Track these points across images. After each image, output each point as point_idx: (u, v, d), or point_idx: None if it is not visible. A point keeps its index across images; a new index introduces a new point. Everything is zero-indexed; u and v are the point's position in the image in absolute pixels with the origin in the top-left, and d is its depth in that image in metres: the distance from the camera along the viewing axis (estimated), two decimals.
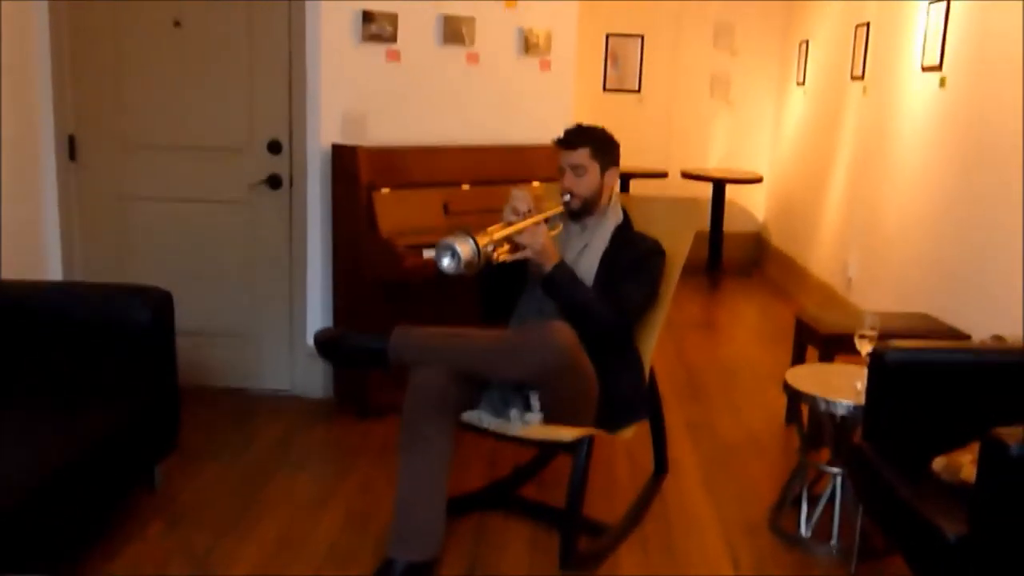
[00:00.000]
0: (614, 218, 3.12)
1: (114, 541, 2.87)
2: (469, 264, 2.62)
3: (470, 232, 2.64)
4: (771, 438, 4.03)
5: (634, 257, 3.02)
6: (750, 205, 8.22)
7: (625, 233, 3.11)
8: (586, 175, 3.02)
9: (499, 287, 3.08)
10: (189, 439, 3.55)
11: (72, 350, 3.03)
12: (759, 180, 7.72)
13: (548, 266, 2.86)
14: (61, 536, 2.53)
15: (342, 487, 3.36)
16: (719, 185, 7.49)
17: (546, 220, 2.95)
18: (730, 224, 7.81)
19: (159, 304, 3.12)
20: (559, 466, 3.48)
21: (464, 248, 2.60)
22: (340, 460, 3.63)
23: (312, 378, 4.23)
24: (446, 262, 2.63)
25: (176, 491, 3.25)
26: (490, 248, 2.72)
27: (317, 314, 4.19)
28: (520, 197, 2.87)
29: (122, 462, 2.89)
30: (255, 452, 3.63)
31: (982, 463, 2.08)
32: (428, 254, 3.81)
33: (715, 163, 8.13)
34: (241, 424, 3.90)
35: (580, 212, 3.07)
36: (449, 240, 2.62)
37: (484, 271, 2.90)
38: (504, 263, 2.84)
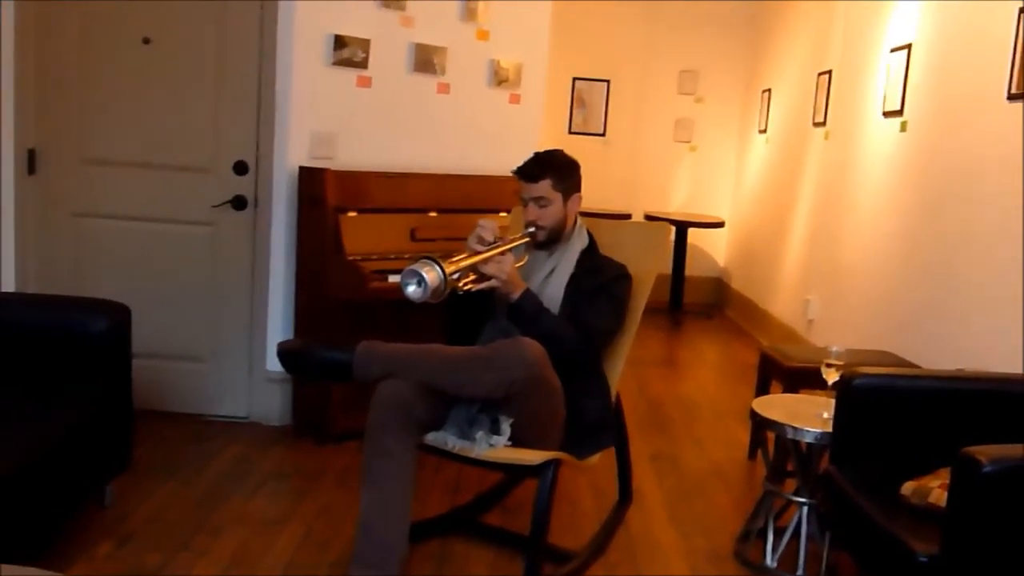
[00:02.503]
0: (580, 243, 3.10)
1: (62, 558, 2.75)
2: (435, 292, 2.58)
3: (436, 259, 2.60)
4: (735, 471, 4.01)
5: (601, 282, 3.00)
6: (712, 250, 8.30)
7: (591, 257, 3.09)
8: (549, 206, 2.99)
9: (464, 317, 3.03)
10: (142, 460, 3.46)
11: (24, 361, 2.94)
12: (721, 224, 7.80)
13: (514, 295, 2.83)
14: (5, 552, 2.41)
15: (300, 509, 3.27)
16: (681, 228, 7.55)
17: (512, 249, 2.92)
18: (691, 268, 7.86)
19: (116, 317, 3.05)
20: (522, 494, 3.43)
21: (430, 275, 2.56)
22: (298, 484, 3.54)
23: (270, 404, 4.15)
24: (412, 289, 2.58)
25: (128, 510, 3.14)
26: (456, 276, 2.68)
27: (278, 339, 4.11)
28: (486, 227, 2.84)
29: (72, 477, 2.79)
30: (210, 474, 3.53)
31: (955, 481, 2.07)
32: (394, 279, 3.77)
33: (678, 207, 8.21)
34: (196, 447, 3.80)
35: (546, 242, 3.05)
36: (415, 267, 2.57)
37: (449, 300, 2.86)
38: (469, 292, 2.80)
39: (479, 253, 2.79)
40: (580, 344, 2.88)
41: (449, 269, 2.62)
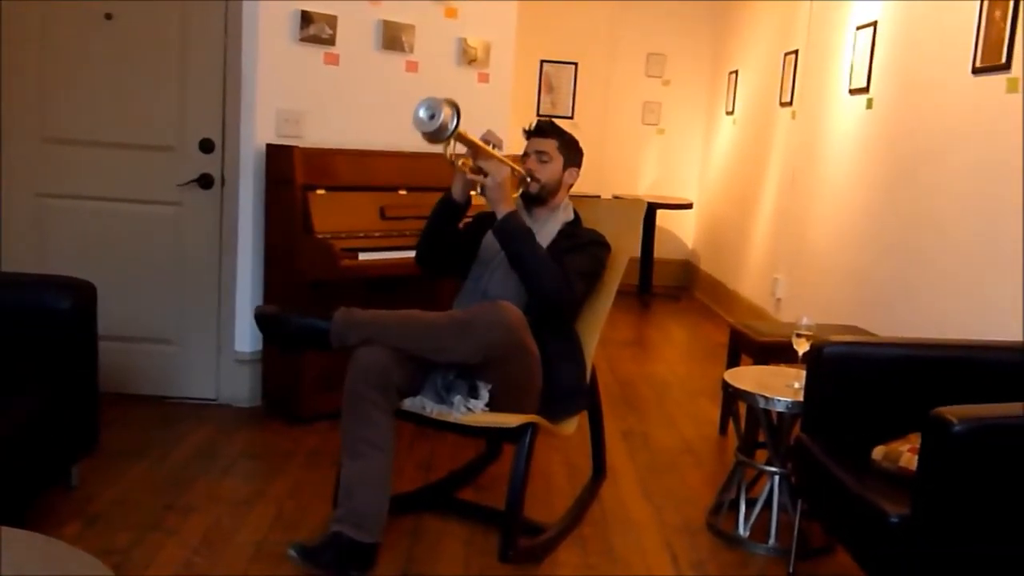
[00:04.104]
0: (564, 216, 3.16)
1: None
2: (440, 129, 2.62)
3: (456, 106, 2.65)
4: (706, 448, 4.03)
5: (578, 243, 3.06)
6: (680, 232, 8.33)
7: (573, 228, 3.14)
8: (549, 163, 3.11)
9: (444, 231, 3.07)
10: (109, 442, 3.40)
11: None
12: (689, 206, 7.83)
13: (502, 208, 2.86)
14: None
15: (271, 489, 3.24)
16: (650, 210, 7.57)
17: (512, 172, 2.98)
18: (660, 251, 7.89)
19: (81, 295, 2.98)
20: (496, 471, 3.43)
21: (446, 112, 2.62)
22: (269, 464, 3.51)
23: (239, 386, 4.10)
24: (422, 112, 2.63)
25: (95, 492, 3.09)
26: (461, 139, 2.73)
27: (247, 319, 4.06)
28: (493, 133, 2.93)
29: (36, 458, 2.73)
30: (179, 455, 3.49)
31: (925, 441, 2.09)
32: (365, 256, 3.76)
33: (646, 189, 8.23)
34: (165, 429, 3.75)
35: (534, 199, 3.10)
36: (437, 100, 2.63)
37: (443, 203, 2.99)
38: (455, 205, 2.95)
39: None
40: (558, 280, 2.87)
41: (461, 129, 2.68)
